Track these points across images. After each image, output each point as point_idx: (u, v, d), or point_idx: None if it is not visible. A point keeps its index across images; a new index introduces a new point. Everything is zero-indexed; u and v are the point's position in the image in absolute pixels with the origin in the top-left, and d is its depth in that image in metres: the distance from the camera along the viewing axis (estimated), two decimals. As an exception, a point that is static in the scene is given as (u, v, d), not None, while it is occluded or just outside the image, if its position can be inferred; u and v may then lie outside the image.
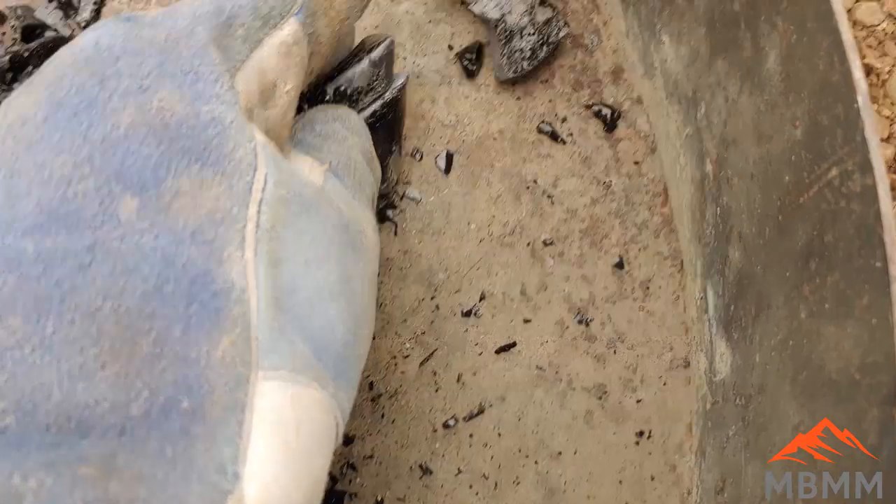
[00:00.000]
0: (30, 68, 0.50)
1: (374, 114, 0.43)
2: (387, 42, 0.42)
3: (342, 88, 0.40)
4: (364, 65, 0.41)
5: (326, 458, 0.26)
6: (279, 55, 0.31)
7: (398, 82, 0.44)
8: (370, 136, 0.39)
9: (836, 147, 0.30)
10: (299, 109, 0.38)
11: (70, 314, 0.21)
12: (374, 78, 0.42)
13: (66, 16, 0.52)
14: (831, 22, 0.29)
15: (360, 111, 0.42)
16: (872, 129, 0.28)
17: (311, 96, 0.40)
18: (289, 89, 0.31)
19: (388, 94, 0.43)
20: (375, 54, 0.41)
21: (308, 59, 0.34)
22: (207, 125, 0.25)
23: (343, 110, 0.39)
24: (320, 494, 0.26)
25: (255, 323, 0.24)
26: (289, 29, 0.31)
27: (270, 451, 0.23)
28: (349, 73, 0.40)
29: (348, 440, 0.46)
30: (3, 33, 0.51)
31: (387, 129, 0.44)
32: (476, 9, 0.49)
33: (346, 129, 0.37)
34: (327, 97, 0.40)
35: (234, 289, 0.24)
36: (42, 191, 0.23)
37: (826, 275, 0.31)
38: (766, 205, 0.36)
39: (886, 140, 0.55)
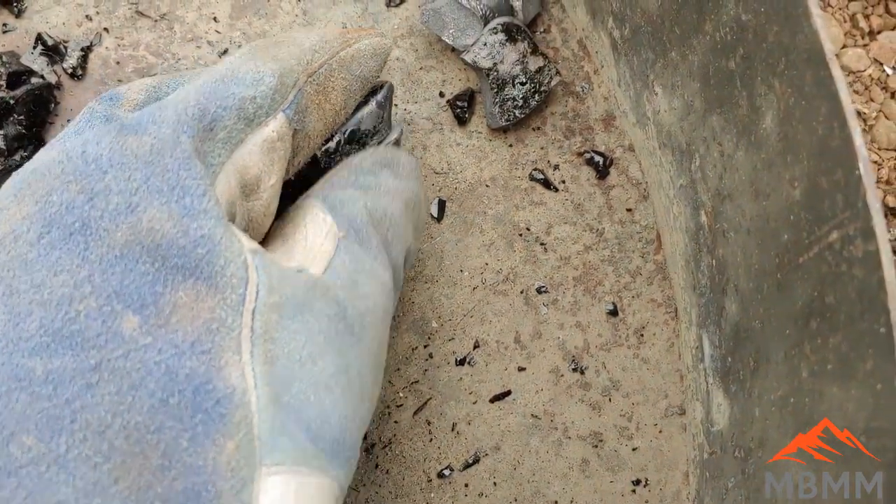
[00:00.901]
0: (14, 116, 0.49)
1: None
2: (388, 85, 0.42)
3: (350, 131, 0.40)
4: (372, 106, 0.41)
5: None
6: (262, 152, 0.31)
7: (392, 135, 0.44)
8: (420, 180, 0.40)
9: (837, 211, 0.30)
10: (313, 161, 0.39)
11: (82, 432, 0.22)
12: (380, 120, 0.42)
13: (53, 62, 0.52)
14: (831, 88, 0.30)
15: None
16: (874, 196, 0.28)
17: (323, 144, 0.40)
18: (273, 183, 0.32)
19: (381, 147, 0.43)
20: (380, 97, 0.41)
21: (295, 152, 0.35)
22: (197, 243, 0.26)
23: (396, 154, 0.40)
24: None
25: (257, 423, 0.24)
26: (274, 125, 0.32)
27: None
28: (358, 116, 0.41)
29: (343, 491, 0.46)
30: (-10, 79, 0.51)
31: None
32: (468, 57, 0.49)
33: (395, 176, 0.38)
34: (338, 141, 0.40)
35: (236, 392, 0.24)
36: (44, 312, 0.23)
37: (828, 335, 0.31)
38: (763, 261, 0.36)
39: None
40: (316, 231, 0.32)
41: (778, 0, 0.32)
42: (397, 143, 0.44)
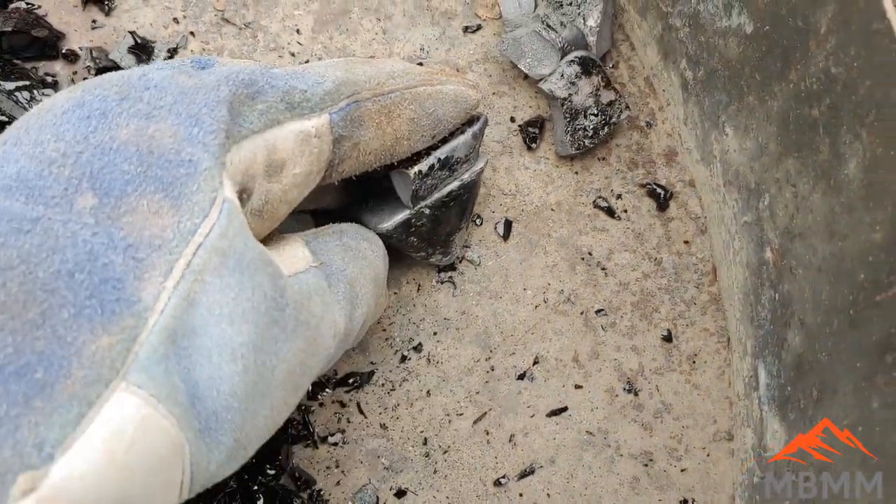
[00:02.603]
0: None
1: (450, 193, 0.45)
2: (483, 118, 0.45)
3: (445, 157, 0.43)
4: (467, 136, 0.43)
5: (148, 493, 0.26)
6: (296, 140, 0.33)
7: (478, 165, 0.46)
8: (387, 267, 0.43)
9: (922, 255, 0.32)
10: (389, 166, 0.41)
11: None
12: (472, 150, 0.44)
13: (140, 60, 0.54)
14: (924, 143, 0.32)
15: (442, 186, 0.45)
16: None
17: (410, 163, 0.42)
18: (297, 172, 0.34)
19: (466, 175, 0.46)
20: (476, 128, 0.44)
21: (341, 158, 0.36)
22: (181, 164, 0.28)
23: (373, 235, 0.43)
24: None
25: (143, 340, 0.25)
26: (315, 121, 0.34)
27: (93, 453, 0.23)
28: (453, 143, 0.43)
29: (400, 493, 0.48)
30: (76, 73, 0.52)
31: (459, 207, 0.47)
32: (545, 86, 0.51)
33: (371, 251, 0.41)
34: (431, 165, 0.42)
35: (138, 304, 0.25)
36: (29, 163, 0.26)
37: (904, 370, 0.33)
38: (835, 298, 0.39)
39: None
40: (293, 254, 0.35)
41: (872, 57, 0.35)
42: (480, 174, 0.47)
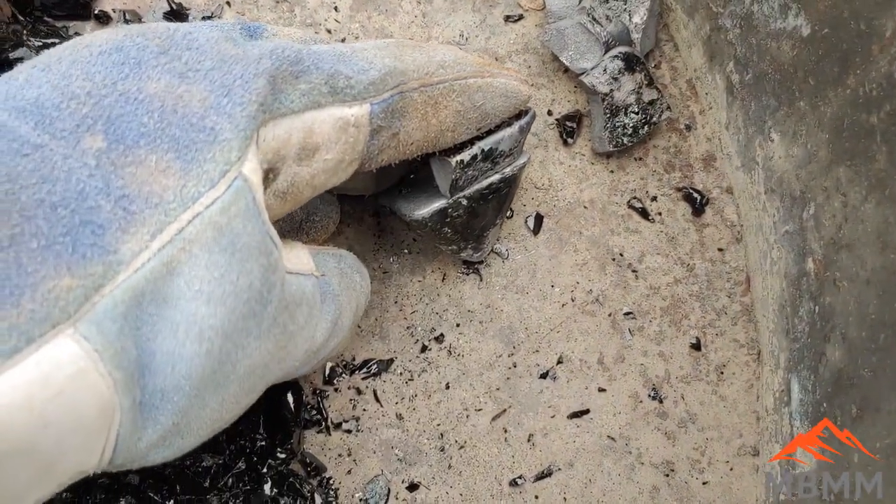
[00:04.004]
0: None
1: (490, 186, 0.44)
2: (532, 113, 0.43)
3: (488, 149, 0.41)
4: (514, 130, 0.42)
5: (60, 449, 0.24)
6: (333, 126, 0.32)
7: (521, 160, 0.45)
8: (364, 307, 0.42)
9: None
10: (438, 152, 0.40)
11: None
12: (516, 144, 0.43)
13: (168, 19, 0.53)
14: None
15: (482, 178, 0.44)
16: None
17: (452, 151, 0.41)
18: (328, 158, 0.33)
19: (508, 169, 0.44)
20: (524, 122, 0.43)
21: (380, 149, 0.35)
22: (202, 130, 0.27)
23: (366, 274, 0.42)
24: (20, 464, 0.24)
25: (107, 293, 0.24)
26: (356, 110, 0.33)
27: (12, 391, 0.22)
28: (499, 136, 0.42)
29: (413, 486, 0.46)
30: (106, 34, 0.51)
31: (497, 201, 0.45)
32: (587, 80, 0.50)
33: (362, 289, 0.40)
34: (474, 155, 0.41)
35: (113, 255, 0.24)
36: (51, 92, 0.26)
37: (959, 389, 0.32)
38: (883, 312, 0.37)
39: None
40: (299, 256, 0.34)
41: (943, 63, 0.34)
42: (522, 169, 0.45)
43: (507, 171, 0.45)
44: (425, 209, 0.44)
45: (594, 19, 0.50)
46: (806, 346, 0.44)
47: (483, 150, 0.41)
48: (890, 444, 0.36)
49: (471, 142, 0.41)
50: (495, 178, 0.44)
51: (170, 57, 0.28)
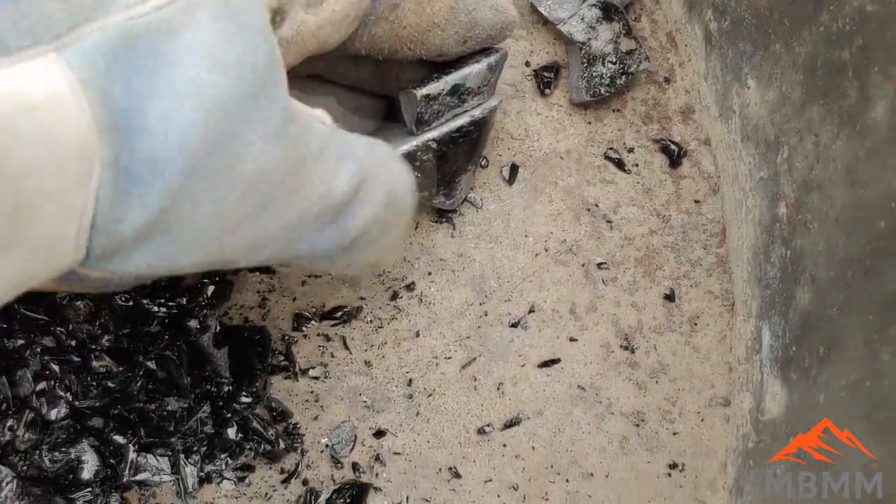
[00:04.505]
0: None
1: (460, 129, 0.43)
2: (503, 52, 0.43)
3: (455, 84, 0.41)
4: (482, 66, 0.41)
5: (31, 180, 0.22)
6: None
7: (492, 102, 0.44)
8: (410, 203, 0.38)
9: (949, 196, 0.31)
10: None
11: None
12: (485, 83, 0.42)
13: None
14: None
15: (450, 115, 0.43)
16: None
17: (423, 83, 0.41)
18: (336, 9, 0.32)
19: (477, 111, 0.44)
20: (493, 59, 0.42)
21: (375, 15, 0.35)
22: None
23: (402, 167, 0.38)
24: None
25: (95, 28, 0.23)
26: None
27: None
28: (466, 71, 0.41)
29: (379, 433, 0.46)
30: None
31: (468, 146, 0.45)
32: (564, 29, 0.50)
33: (397, 169, 0.36)
34: (441, 90, 0.40)
35: None
36: None
37: (920, 318, 0.32)
38: (850, 249, 0.37)
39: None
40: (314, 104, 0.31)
41: (912, -10, 0.33)
42: (493, 112, 0.45)
43: (477, 112, 0.44)
44: (394, 150, 0.43)
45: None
46: (777, 291, 0.43)
47: (450, 84, 0.41)
48: (854, 380, 0.35)
49: (438, 76, 0.41)
50: (464, 120, 0.44)
51: None
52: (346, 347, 0.47)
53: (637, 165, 0.51)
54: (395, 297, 0.48)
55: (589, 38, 0.50)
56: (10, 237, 0.22)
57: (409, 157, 0.43)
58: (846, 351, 0.36)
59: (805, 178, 0.41)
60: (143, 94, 0.24)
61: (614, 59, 0.50)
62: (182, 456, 0.44)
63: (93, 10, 0.23)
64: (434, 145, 0.43)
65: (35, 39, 0.22)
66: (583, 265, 0.49)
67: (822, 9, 0.39)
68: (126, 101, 0.23)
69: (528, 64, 0.52)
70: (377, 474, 0.45)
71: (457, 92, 0.42)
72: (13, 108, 0.21)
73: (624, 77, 0.50)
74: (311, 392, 0.46)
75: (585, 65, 0.50)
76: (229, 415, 0.45)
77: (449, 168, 0.46)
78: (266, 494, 0.44)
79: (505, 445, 0.46)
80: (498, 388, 0.47)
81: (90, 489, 0.44)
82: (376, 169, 0.34)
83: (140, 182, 0.24)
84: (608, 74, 0.50)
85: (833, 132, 0.39)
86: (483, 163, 0.50)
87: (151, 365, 0.45)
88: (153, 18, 0.23)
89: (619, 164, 0.51)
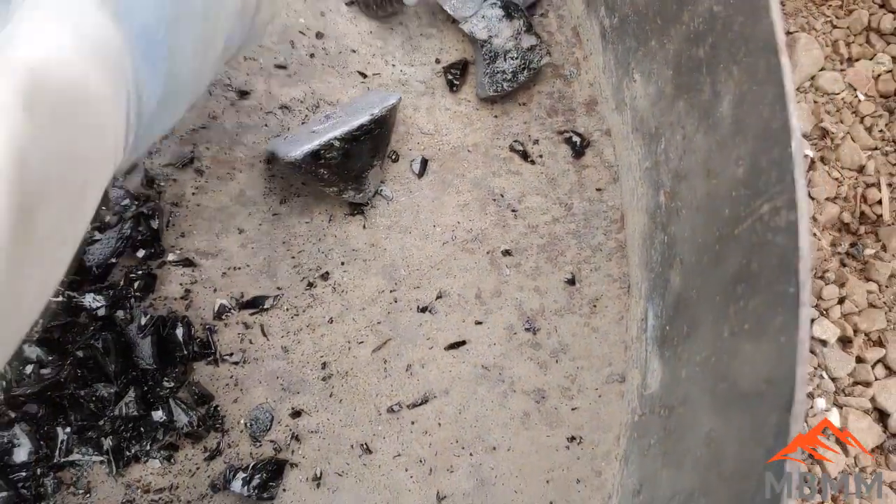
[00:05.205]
0: None
1: (360, 127, 0.46)
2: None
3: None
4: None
5: (99, 81, 0.26)
6: None
7: (390, 101, 0.47)
8: None
9: (770, 185, 0.33)
10: None
11: None
12: None
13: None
14: (778, 74, 0.33)
15: (349, 123, 0.47)
16: (801, 172, 0.31)
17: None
18: None
19: (377, 110, 0.47)
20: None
21: None
22: None
23: None
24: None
25: None
26: None
27: (44, 39, 0.24)
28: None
29: (296, 413, 0.49)
30: None
31: (372, 142, 0.48)
32: (465, 27, 0.52)
33: None
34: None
35: None
36: None
37: (749, 298, 0.34)
38: (706, 234, 0.39)
39: (833, 199, 0.59)
40: None
41: (745, -6, 0.35)
42: (393, 110, 0.48)
43: (376, 111, 0.47)
44: (298, 151, 0.46)
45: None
46: (658, 275, 0.46)
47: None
48: (705, 356, 0.38)
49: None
50: (365, 118, 0.47)
51: None
52: (265, 334, 0.50)
53: (542, 156, 0.54)
54: (310, 286, 0.51)
55: (490, 36, 0.52)
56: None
57: (314, 155, 0.46)
58: (700, 329, 0.39)
59: (676, 168, 0.44)
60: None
61: (515, 55, 0.52)
62: (111, 437, 0.48)
63: None
64: (337, 143, 0.46)
65: None
66: (488, 253, 0.52)
67: (683, 9, 0.41)
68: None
69: (437, 61, 0.55)
70: (293, 451, 0.48)
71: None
72: (70, 30, 0.25)
73: (526, 72, 0.52)
74: (232, 377, 0.49)
75: (488, 61, 0.52)
76: (153, 400, 0.48)
77: (354, 164, 0.48)
78: (190, 471, 0.48)
79: (413, 423, 0.49)
80: (407, 370, 0.50)
81: (25, 470, 0.47)
82: None
83: (148, 56, 0.28)
84: (510, 70, 0.52)
85: (694, 125, 0.41)
86: (393, 157, 0.53)
87: (80, 354, 0.48)
88: None
89: (524, 156, 0.54)
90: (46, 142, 0.23)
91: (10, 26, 0.24)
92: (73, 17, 0.25)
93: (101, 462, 0.47)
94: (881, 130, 0.60)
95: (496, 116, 0.54)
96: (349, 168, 0.48)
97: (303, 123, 0.52)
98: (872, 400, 0.55)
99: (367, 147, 0.48)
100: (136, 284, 0.49)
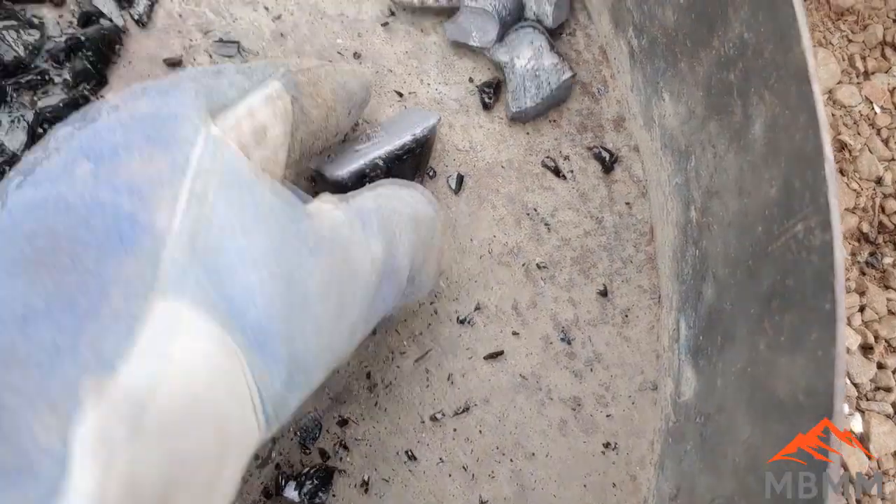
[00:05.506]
0: (83, 52, 0.54)
1: (403, 146, 0.49)
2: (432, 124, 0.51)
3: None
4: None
5: (215, 396, 0.28)
6: (265, 104, 0.37)
7: (431, 121, 0.50)
8: (435, 210, 0.45)
9: (804, 206, 0.35)
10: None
11: (19, 240, 0.27)
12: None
13: (122, 7, 0.57)
14: (810, 101, 0.35)
15: (392, 143, 0.49)
16: (834, 195, 0.33)
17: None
18: (276, 134, 0.37)
19: (418, 130, 0.49)
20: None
21: (295, 125, 0.40)
22: (166, 117, 0.31)
23: (415, 183, 0.46)
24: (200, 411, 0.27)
25: (166, 257, 0.27)
26: (273, 86, 0.38)
27: (150, 357, 0.26)
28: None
29: (343, 422, 0.51)
30: (61, 16, 0.56)
31: (414, 161, 0.50)
32: (489, 53, 0.55)
33: (411, 196, 0.43)
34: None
35: (155, 228, 0.28)
36: (33, 164, 0.30)
37: (784, 313, 0.36)
38: (739, 250, 0.42)
39: (852, 210, 0.61)
40: (319, 198, 0.38)
41: (775, 24, 0.37)
42: (433, 130, 0.50)
43: (418, 132, 0.49)
44: (344, 170, 0.48)
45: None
46: (690, 287, 0.48)
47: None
48: (741, 367, 0.40)
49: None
50: (408, 138, 0.49)
51: (107, 105, 0.32)
52: (311, 347, 0.52)
53: (573, 172, 0.56)
54: (353, 300, 0.53)
55: (513, 58, 0.54)
56: (222, 450, 0.29)
57: (360, 174, 0.48)
58: (736, 341, 0.41)
59: (707, 185, 0.46)
60: (221, 287, 0.29)
61: (538, 74, 0.54)
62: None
63: (154, 248, 0.28)
64: (381, 163, 0.48)
65: (143, 296, 0.27)
66: (523, 265, 0.54)
67: (714, 34, 0.44)
68: (216, 297, 0.29)
69: (471, 80, 0.57)
70: (341, 458, 0.51)
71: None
72: (177, 352, 0.27)
73: (549, 90, 0.55)
74: (280, 388, 0.51)
75: (512, 82, 0.54)
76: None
77: None
78: (244, 478, 0.50)
79: (455, 430, 0.51)
80: (448, 379, 0.52)
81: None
82: (393, 208, 0.40)
83: (264, 346, 0.30)
84: (533, 88, 0.54)
85: (725, 145, 0.43)
86: (431, 173, 0.55)
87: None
88: (188, 224, 0.29)
89: (556, 172, 0.56)
90: (158, 458, 0.26)
91: (111, 338, 0.26)
92: (181, 331, 0.27)
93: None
94: (898, 141, 0.62)
95: (528, 133, 0.56)
96: None
97: (343, 141, 0.54)
98: (894, 405, 0.57)
99: (409, 165, 0.50)
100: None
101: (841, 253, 0.33)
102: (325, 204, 0.37)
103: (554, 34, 0.57)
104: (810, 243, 0.35)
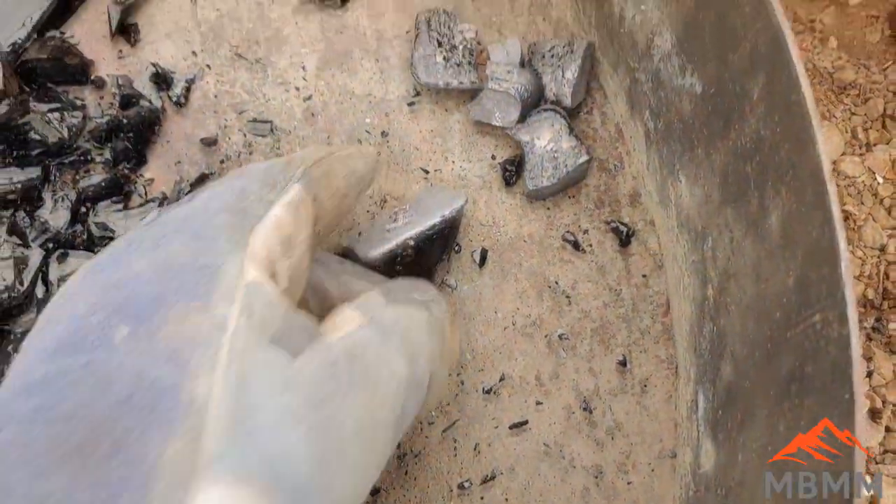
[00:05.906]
0: (123, 133, 0.57)
1: (432, 227, 0.51)
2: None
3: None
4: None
5: None
6: (289, 213, 0.38)
7: (459, 203, 0.52)
8: (447, 317, 0.43)
9: (821, 298, 0.37)
10: None
11: (54, 422, 0.26)
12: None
13: (160, 89, 0.60)
14: (826, 201, 0.37)
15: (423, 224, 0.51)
16: (851, 291, 0.36)
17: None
18: (302, 238, 0.38)
19: (447, 211, 0.52)
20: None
21: (315, 220, 0.41)
22: (202, 268, 0.31)
23: (427, 283, 0.45)
24: None
25: (210, 431, 0.26)
26: (294, 191, 0.39)
27: None
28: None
29: (374, 491, 0.53)
30: (102, 97, 0.59)
31: (442, 241, 0.53)
32: (511, 132, 0.57)
33: (423, 300, 0.42)
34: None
35: (196, 401, 0.27)
36: (68, 323, 0.29)
37: (804, 397, 0.38)
38: (758, 333, 0.44)
39: (857, 277, 0.64)
40: (343, 316, 0.37)
41: (791, 124, 0.40)
42: (461, 211, 0.53)
43: (447, 213, 0.52)
44: (377, 251, 0.51)
45: (497, 79, 0.58)
46: (708, 362, 0.50)
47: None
48: (762, 444, 0.42)
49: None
50: (437, 219, 0.51)
51: (137, 243, 0.32)
52: (342, 417, 0.54)
53: (591, 246, 0.58)
54: (382, 370, 0.55)
55: (533, 138, 0.57)
56: None
57: (391, 255, 0.51)
58: (756, 420, 0.43)
59: (725, 267, 0.48)
60: (261, 449, 0.28)
61: (556, 155, 0.57)
62: None
63: (198, 426, 0.27)
64: (412, 243, 0.51)
65: (185, 484, 0.25)
66: (546, 337, 0.56)
67: (730, 127, 0.46)
68: (261, 463, 0.28)
69: (493, 157, 0.60)
70: (372, 527, 0.52)
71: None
72: None
73: (566, 170, 0.57)
74: (313, 457, 0.53)
75: (531, 161, 0.57)
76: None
77: (426, 261, 0.53)
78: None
79: (482, 499, 0.53)
80: (475, 449, 0.54)
81: None
82: (410, 315, 0.40)
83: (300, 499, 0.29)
84: (551, 167, 0.57)
85: (743, 232, 0.46)
86: (456, 248, 0.57)
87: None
88: (228, 388, 0.28)
89: (576, 246, 0.58)
90: None
91: None
92: None
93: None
94: (900, 211, 0.65)
95: (548, 209, 0.59)
96: (422, 264, 0.53)
97: (372, 219, 0.57)
98: (903, 468, 0.59)
99: (438, 245, 0.53)
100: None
101: (858, 346, 0.36)
102: (349, 324, 0.36)
103: (571, 113, 0.60)
104: (828, 335, 0.37)
